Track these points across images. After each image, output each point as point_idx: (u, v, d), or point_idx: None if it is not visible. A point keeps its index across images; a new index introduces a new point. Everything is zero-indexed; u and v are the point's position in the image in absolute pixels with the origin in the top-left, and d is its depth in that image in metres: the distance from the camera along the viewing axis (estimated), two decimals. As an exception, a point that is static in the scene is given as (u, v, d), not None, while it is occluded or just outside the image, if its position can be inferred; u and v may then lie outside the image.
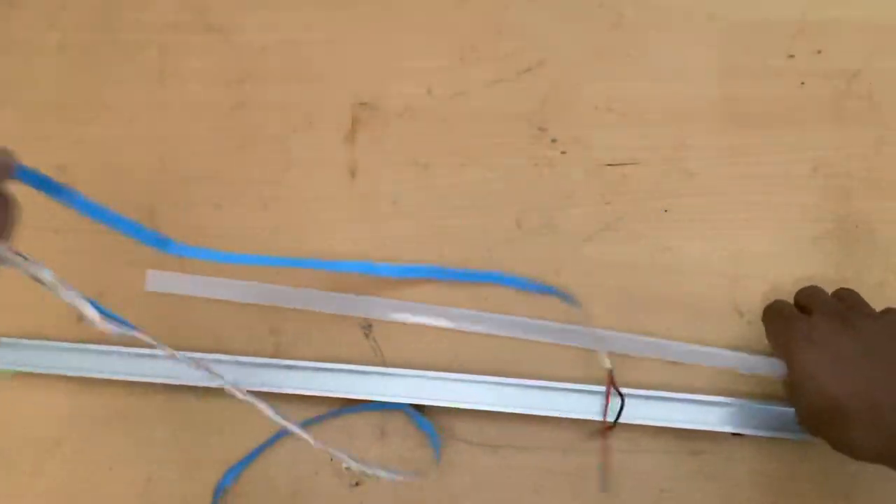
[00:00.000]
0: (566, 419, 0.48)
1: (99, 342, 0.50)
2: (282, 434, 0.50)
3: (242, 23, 0.56)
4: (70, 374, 0.50)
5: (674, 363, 0.49)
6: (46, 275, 0.32)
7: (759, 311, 0.49)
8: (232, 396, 0.51)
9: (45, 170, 0.53)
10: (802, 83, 0.52)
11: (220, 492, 0.50)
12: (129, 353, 0.50)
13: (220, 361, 0.49)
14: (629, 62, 0.53)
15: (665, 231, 0.51)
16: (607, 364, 0.46)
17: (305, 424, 0.50)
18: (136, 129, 0.55)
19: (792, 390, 0.43)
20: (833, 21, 0.53)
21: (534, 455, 0.49)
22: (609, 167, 0.52)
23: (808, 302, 0.46)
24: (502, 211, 0.52)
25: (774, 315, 0.47)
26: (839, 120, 0.51)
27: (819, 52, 0.52)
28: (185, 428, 0.51)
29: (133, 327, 0.34)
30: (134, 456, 0.51)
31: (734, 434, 0.48)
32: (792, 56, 0.53)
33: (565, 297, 0.49)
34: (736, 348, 0.49)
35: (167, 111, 0.55)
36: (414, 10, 0.55)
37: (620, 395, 0.46)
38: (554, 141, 0.53)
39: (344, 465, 0.42)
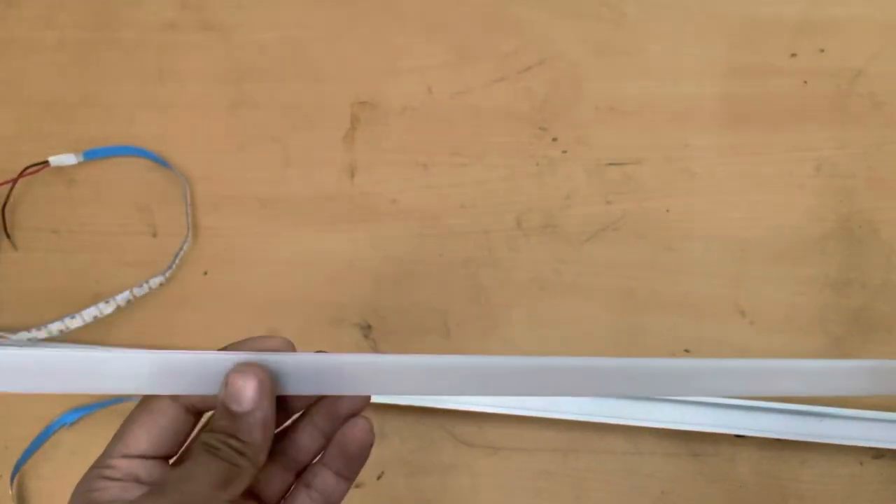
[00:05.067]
0: (566, 421, 0.47)
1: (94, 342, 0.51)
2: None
3: (241, 22, 0.56)
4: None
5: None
6: None
7: (760, 311, 0.49)
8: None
9: (46, 169, 0.53)
10: (805, 82, 0.52)
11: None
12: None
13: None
14: (630, 61, 0.53)
15: (666, 231, 0.51)
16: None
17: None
18: (134, 129, 0.55)
19: None
20: (836, 20, 0.52)
21: (534, 457, 0.49)
22: (610, 167, 0.52)
23: None
24: (502, 211, 0.52)
25: None
26: (842, 119, 0.51)
27: (822, 50, 0.52)
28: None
29: None
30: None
31: (736, 436, 0.47)
32: (794, 55, 0.52)
33: None
34: (737, 349, 0.49)
35: (166, 111, 0.55)
36: (414, 9, 0.55)
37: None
38: (555, 140, 0.52)
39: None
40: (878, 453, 0.48)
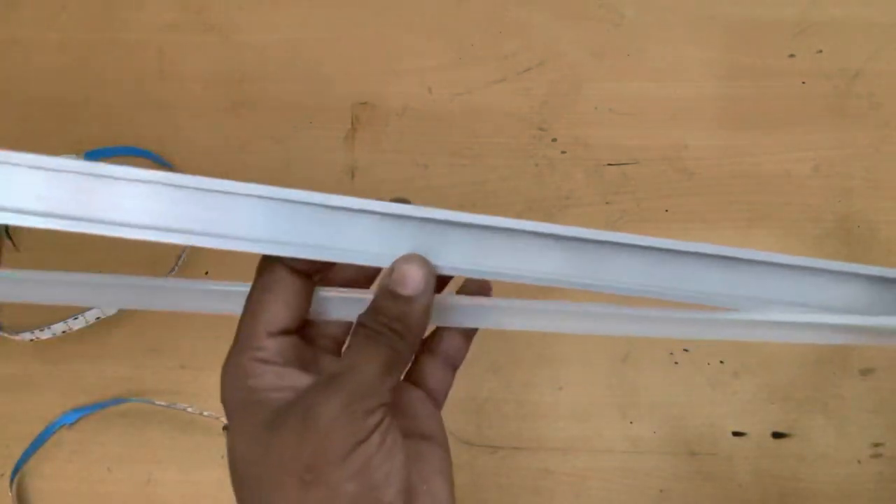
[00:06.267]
0: (566, 421, 0.48)
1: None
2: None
3: (242, 22, 0.56)
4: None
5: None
6: None
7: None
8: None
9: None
10: (803, 83, 0.52)
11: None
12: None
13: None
14: (629, 62, 0.53)
15: (665, 231, 0.51)
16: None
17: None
18: (135, 129, 0.55)
19: None
20: (834, 21, 0.53)
21: (533, 455, 0.49)
22: (609, 167, 0.52)
23: None
24: (502, 211, 0.52)
25: None
26: (840, 119, 0.51)
27: (820, 51, 0.52)
28: (185, 428, 0.51)
29: None
30: (134, 456, 0.51)
31: (734, 434, 0.48)
32: (792, 56, 0.52)
33: None
34: (736, 347, 0.49)
35: (167, 111, 0.55)
36: (414, 10, 0.55)
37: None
38: (554, 141, 0.53)
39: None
40: (876, 452, 0.48)
